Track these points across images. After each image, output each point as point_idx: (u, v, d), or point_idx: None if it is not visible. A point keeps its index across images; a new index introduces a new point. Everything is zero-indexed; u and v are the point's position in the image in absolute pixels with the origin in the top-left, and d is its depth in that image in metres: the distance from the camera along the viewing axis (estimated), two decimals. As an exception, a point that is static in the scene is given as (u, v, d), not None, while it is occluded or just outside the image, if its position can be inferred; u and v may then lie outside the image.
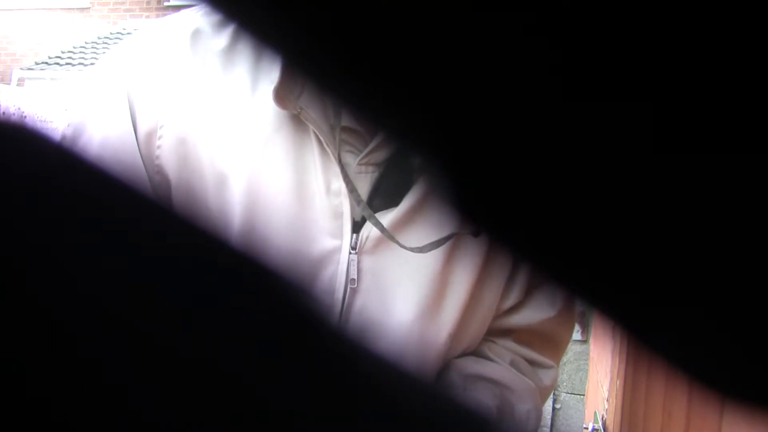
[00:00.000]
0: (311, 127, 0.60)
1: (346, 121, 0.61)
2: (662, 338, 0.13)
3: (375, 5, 0.11)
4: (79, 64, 7.33)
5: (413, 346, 0.64)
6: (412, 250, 0.60)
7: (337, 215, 0.61)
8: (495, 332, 0.73)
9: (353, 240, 0.61)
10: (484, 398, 0.67)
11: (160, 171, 0.62)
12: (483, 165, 0.12)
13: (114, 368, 0.11)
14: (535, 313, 0.71)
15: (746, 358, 0.13)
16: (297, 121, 0.61)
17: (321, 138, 0.60)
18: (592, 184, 0.12)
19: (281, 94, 0.59)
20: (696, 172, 0.11)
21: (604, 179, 0.12)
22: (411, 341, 0.64)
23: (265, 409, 0.12)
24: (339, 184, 0.61)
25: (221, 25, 0.64)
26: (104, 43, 7.69)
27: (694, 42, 0.10)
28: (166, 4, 8.11)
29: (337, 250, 0.61)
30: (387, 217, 0.61)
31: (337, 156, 0.60)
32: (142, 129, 0.62)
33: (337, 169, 0.60)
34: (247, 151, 0.61)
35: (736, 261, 0.12)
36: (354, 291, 0.62)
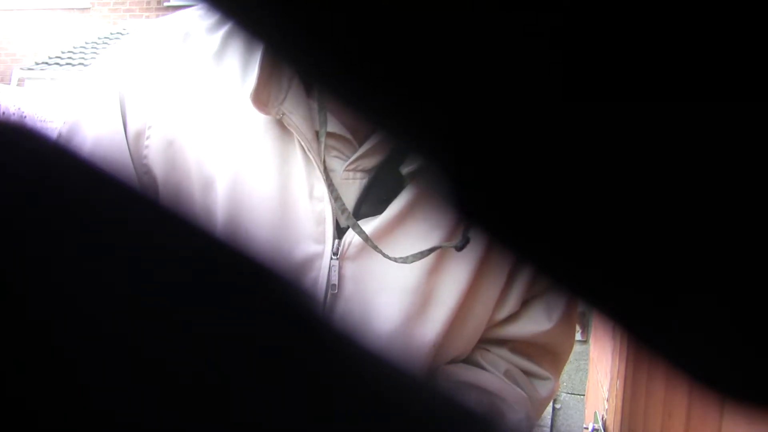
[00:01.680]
0: (293, 131, 0.60)
1: (332, 127, 0.61)
2: (662, 338, 0.13)
3: (376, 5, 0.11)
4: (79, 64, 7.33)
5: (395, 353, 0.63)
6: (395, 260, 0.60)
7: (320, 220, 0.61)
8: (490, 341, 0.72)
9: (335, 246, 0.61)
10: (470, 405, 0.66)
11: (148, 171, 0.62)
12: (484, 165, 0.12)
13: (113, 367, 0.11)
14: (530, 325, 0.70)
15: (746, 358, 0.13)
16: (282, 125, 0.61)
17: (303, 144, 0.60)
18: (593, 185, 0.12)
19: (262, 99, 0.59)
20: (696, 173, 0.11)
21: (605, 180, 0.12)
22: (392, 349, 0.63)
23: (264, 408, 0.12)
24: (322, 189, 0.60)
25: (213, 28, 0.64)
26: (104, 43, 7.69)
27: (694, 43, 0.10)
28: (166, 4, 8.11)
29: (320, 255, 0.61)
30: (371, 225, 0.61)
31: (320, 162, 0.60)
32: (132, 129, 0.62)
33: (320, 174, 0.60)
34: (233, 154, 0.61)
35: (736, 261, 0.12)
36: (335, 297, 0.61)
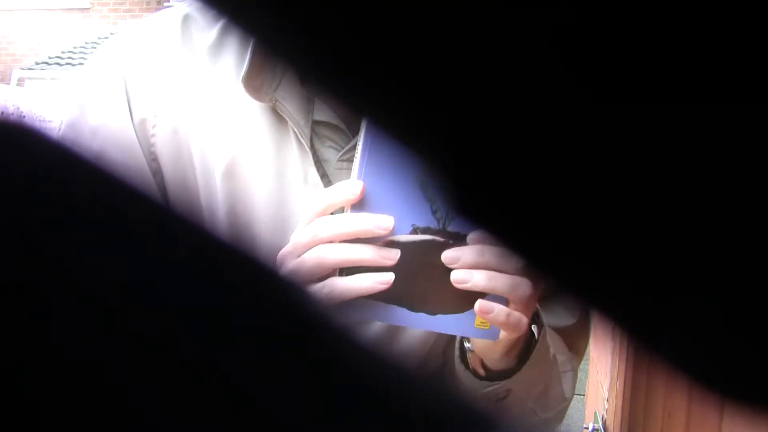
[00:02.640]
0: (287, 119, 0.61)
1: (325, 116, 0.62)
2: (662, 338, 0.13)
3: (376, 4, 0.11)
4: (79, 64, 7.33)
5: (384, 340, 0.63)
6: None
7: None
8: None
9: None
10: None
11: (156, 159, 0.63)
12: (484, 164, 0.12)
13: (113, 367, 0.11)
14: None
15: (746, 358, 0.13)
16: (277, 112, 0.62)
17: (296, 131, 0.61)
18: (593, 185, 0.12)
19: (255, 86, 0.60)
20: (695, 173, 0.11)
21: (604, 180, 0.12)
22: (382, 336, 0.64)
23: (263, 407, 0.12)
24: (316, 175, 0.61)
25: (212, 19, 0.65)
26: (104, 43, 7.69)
27: (692, 42, 0.10)
28: (165, 4, 8.12)
29: None
30: None
31: (311, 148, 0.61)
32: (137, 116, 0.63)
33: (314, 161, 0.61)
34: (230, 141, 0.62)
35: (736, 262, 0.12)
36: None
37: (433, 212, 0.56)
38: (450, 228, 0.55)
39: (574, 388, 0.70)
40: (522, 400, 0.63)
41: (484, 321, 0.56)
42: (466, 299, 0.56)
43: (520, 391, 0.60)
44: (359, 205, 0.55)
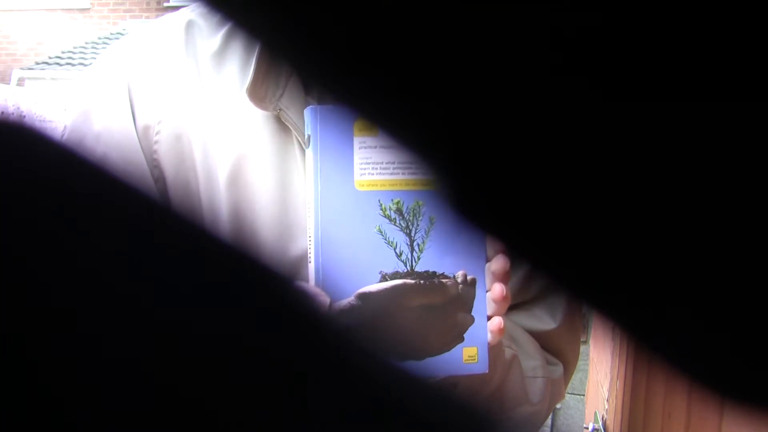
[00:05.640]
0: (291, 128, 0.61)
1: None
2: (662, 339, 0.13)
3: (378, 6, 0.11)
4: (79, 64, 7.34)
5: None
6: None
7: None
8: None
9: None
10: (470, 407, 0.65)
11: (158, 166, 0.64)
12: (486, 165, 0.12)
13: (111, 368, 0.11)
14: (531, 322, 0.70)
15: (746, 359, 0.13)
16: (281, 121, 0.62)
17: (300, 139, 0.61)
18: (593, 186, 0.12)
19: (259, 95, 0.60)
20: (695, 175, 0.11)
21: (604, 181, 0.12)
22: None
23: (266, 405, 0.12)
24: None
25: (217, 24, 0.65)
26: (104, 43, 7.70)
27: (691, 42, 0.10)
28: (165, 4, 8.12)
29: None
30: None
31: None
32: (141, 122, 0.63)
33: None
34: (234, 149, 0.62)
35: (736, 263, 0.12)
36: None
37: (398, 255, 0.55)
38: (417, 268, 0.55)
39: (546, 396, 0.69)
40: (472, 396, 0.63)
41: (471, 355, 0.56)
42: (448, 335, 0.56)
43: (467, 385, 0.60)
44: (324, 262, 0.54)
